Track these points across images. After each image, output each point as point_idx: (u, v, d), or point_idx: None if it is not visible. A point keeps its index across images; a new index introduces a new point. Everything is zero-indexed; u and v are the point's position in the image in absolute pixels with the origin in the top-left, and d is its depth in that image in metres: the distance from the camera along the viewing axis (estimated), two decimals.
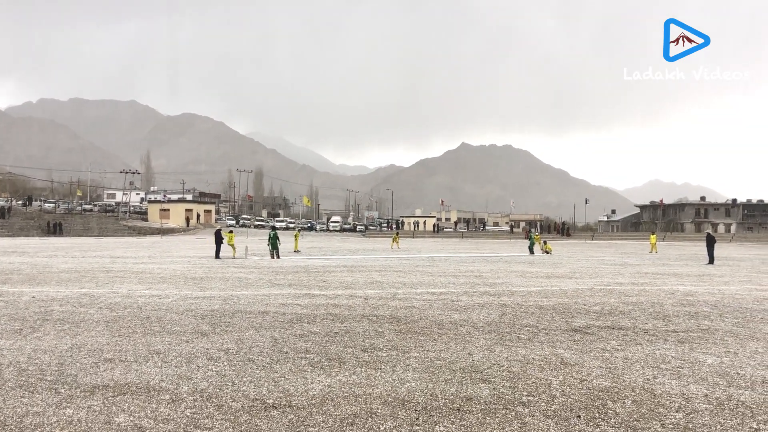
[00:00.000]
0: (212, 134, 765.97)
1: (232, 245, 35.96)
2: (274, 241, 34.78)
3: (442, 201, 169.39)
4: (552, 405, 6.82)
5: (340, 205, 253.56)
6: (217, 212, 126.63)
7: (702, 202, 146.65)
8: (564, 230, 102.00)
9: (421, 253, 43.66)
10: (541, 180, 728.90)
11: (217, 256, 33.85)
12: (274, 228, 39.46)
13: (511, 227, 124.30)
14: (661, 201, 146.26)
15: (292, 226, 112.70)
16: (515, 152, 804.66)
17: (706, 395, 7.27)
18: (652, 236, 52.13)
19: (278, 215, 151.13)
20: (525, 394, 7.25)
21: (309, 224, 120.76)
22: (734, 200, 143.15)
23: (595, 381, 7.84)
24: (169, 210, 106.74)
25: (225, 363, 8.65)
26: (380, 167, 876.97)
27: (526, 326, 11.93)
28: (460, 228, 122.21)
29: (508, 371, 8.31)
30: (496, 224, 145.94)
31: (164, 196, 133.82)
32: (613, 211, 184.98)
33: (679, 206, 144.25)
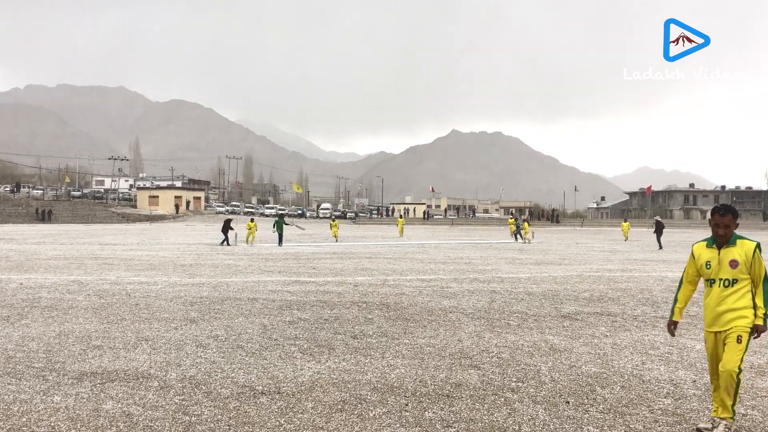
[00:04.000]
0: (201, 121, 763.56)
1: (252, 233, 36.02)
2: (280, 227, 35.21)
3: (432, 188, 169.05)
4: (541, 391, 6.84)
5: (330, 192, 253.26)
6: (207, 199, 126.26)
7: (691, 189, 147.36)
8: (554, 217, 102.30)
9: (411, 240, 43.70)
10: (531, 167, 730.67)
11: (224, 243, 34.07)
12: (281, 215, 39.74)
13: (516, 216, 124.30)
14: (649, 188, 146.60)
15: (282, 212, 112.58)
16: (505, 139, 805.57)
17: (695, 381, 7.30)
18: (624, 224, 51.52)
19: (268, 202, 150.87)
20: (514, 380, 7.26)
21: (299, 211, 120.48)
22: (723, 187, 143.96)
23: (584, 367, 7.86)
24: (158, 197, 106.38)
25: (214, 350, 8.63)
26: (370, 154, 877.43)
27: (515, 313, 11.96)
28: (450, 215, 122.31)
29: (498, 357, 8.32)
30: (486, 211, 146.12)
31: (153, 183, 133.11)
32: (603, 198, 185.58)
33: (668, 193, 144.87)
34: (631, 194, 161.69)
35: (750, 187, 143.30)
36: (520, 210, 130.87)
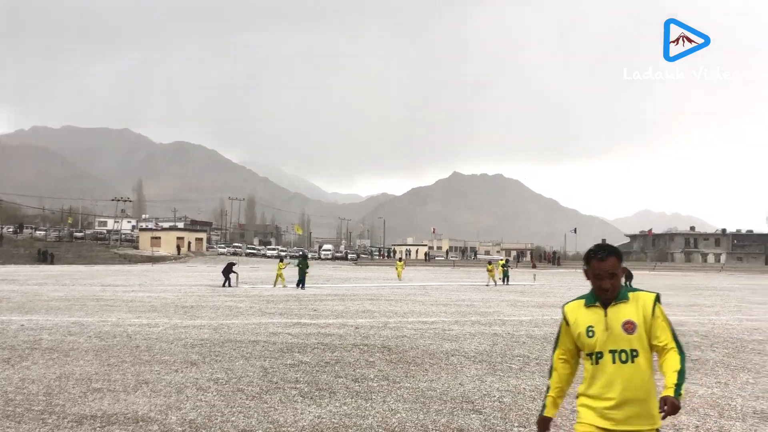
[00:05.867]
0: (205, 162, 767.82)
1: (281, 275, 35.49)
2: (303, 270, 34.12)
3: (434, 229, 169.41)
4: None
5: (332, 233, 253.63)
6: (209, 240, 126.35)
7: (692, 232, 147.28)
8: (555, 259, 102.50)
9: (413, 282, 43.61)
10: (532, 209, 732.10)
11: (225, 285, 33.87)
12: (305, 256, 38.52)
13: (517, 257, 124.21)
14: (650, 231, 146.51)
15: (283, 254, 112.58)
16: (506, 181, 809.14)
17: (697, 426, 7.26)
18: None
19: (270, 243, 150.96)
20: (516, 425, 7.23)
21: (301, 252, 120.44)
22: (724, 230, 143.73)
23: None
24: (160, 238, 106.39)
25: (214, 393, 8.60)
26: (372, 195, 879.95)
27: (517, 356, 11.92)
28: (452, 257, 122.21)
29: (500, 402, 8.29)
30: (487, 253, 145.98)
31: (156, 224, 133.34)
32: (603, 241, 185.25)
33: (669, 236, 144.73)
34: (632, 237, 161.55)
35: (751, 231, 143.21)
36: (520, 252, 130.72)
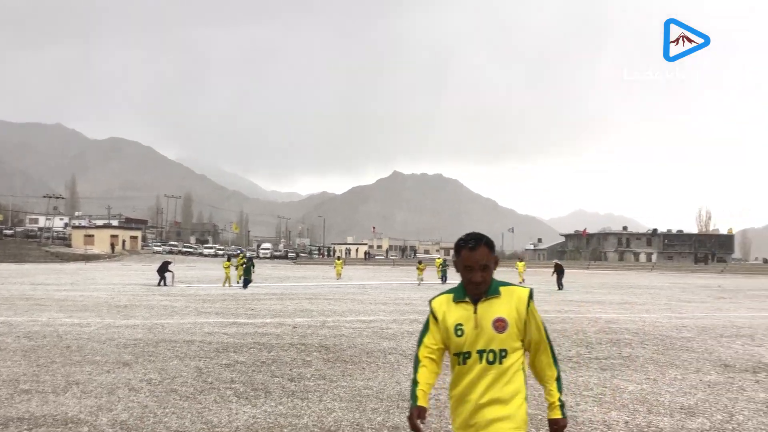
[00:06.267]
0: (141, 159, 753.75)
1: (228, 274, 35.05)
2: (248, 270, 33.84)
3: (374, 228, 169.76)
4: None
5: (271, 232, 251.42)
6: (144, 239, 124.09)
7: (624, 232, 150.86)
8: None
9: (352, 281, 43.61)
10: (471, 209, 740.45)
11: (161, 284, 33.34)
12: (249, 258, 37.64)
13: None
14: (584, 231, 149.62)
15: (221, 252, 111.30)
16: (446, 181, 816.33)
17: (627, 422, 7.43)
18: (520, 263, 47.80)
19: (207, 242, 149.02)
20: (451, 422, 7.29)
21: (238, 251, 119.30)
22: (655, 230, 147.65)
23: None
24: (94, 236, 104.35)
25: (147, 393, 8.45)
26: (312, 194, 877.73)
27: None
28: (392, 256, 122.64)
29: (436, 399, 8.34)
30: (427, 252, 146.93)
31: (89, 221, 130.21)
32: (540, 240, 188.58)
33: (603, 236, 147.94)
34: (567, 236, 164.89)
35: (681, 231, 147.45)
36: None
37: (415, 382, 3.72)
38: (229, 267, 35.33)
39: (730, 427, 7.25)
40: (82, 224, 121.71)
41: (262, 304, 22.86)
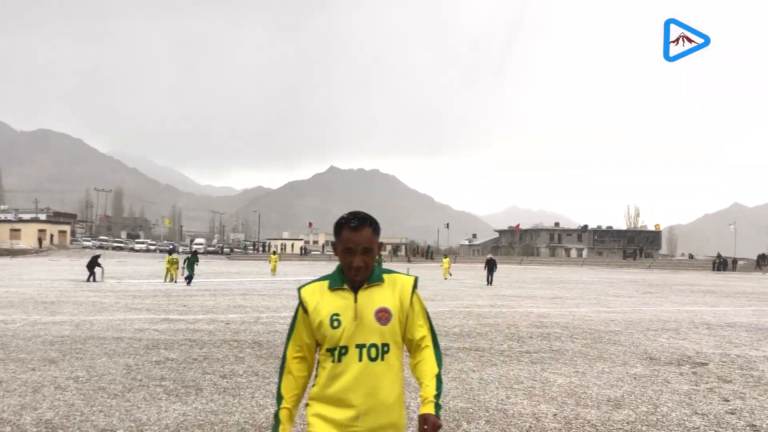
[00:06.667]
0: (70, 151, 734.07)
1: (169, 269, 34.50)
2: (192, 265, 33.17)
3: (310, 223, 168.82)
4: (408, 427, 6.90)
5: (204, 226, 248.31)
6: (73, 233, 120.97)
7: (556, 228, 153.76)
8: (428, 254, 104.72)
9: (287, 277, 43.34)
10: (408, 204, 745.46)
11: (90, 279, 32.62)
12: (194, 253, 36.67)
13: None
14: (517, 226, 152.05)
15: (152, 248, 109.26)
16: (383, 177, 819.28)
17: (555, 414, 7.57)
18: (445, 260, 48.20)
19: (138, 237, 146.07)
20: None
21: (171, 246, 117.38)
22: (585, 226, 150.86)
23: (451, 402, 8.00)
24: (20, 230, 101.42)
25: (74, 392, 8.22)
26: (247, 189, 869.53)
27: None
28: (328, 251, 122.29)
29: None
30: None
31: (15, 215, 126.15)
32: (474, 236, 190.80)
33: (535, 231, 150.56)
34: (501, 232, 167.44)
35: (611, 227, 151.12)
36: (396, 246, 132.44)
37: (278, 398, 3.26)
38: (171, 262, 34.85)
39: (655, 419, 7.45)
40: (8, 218, 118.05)
41: (195, 300, 22.50)
